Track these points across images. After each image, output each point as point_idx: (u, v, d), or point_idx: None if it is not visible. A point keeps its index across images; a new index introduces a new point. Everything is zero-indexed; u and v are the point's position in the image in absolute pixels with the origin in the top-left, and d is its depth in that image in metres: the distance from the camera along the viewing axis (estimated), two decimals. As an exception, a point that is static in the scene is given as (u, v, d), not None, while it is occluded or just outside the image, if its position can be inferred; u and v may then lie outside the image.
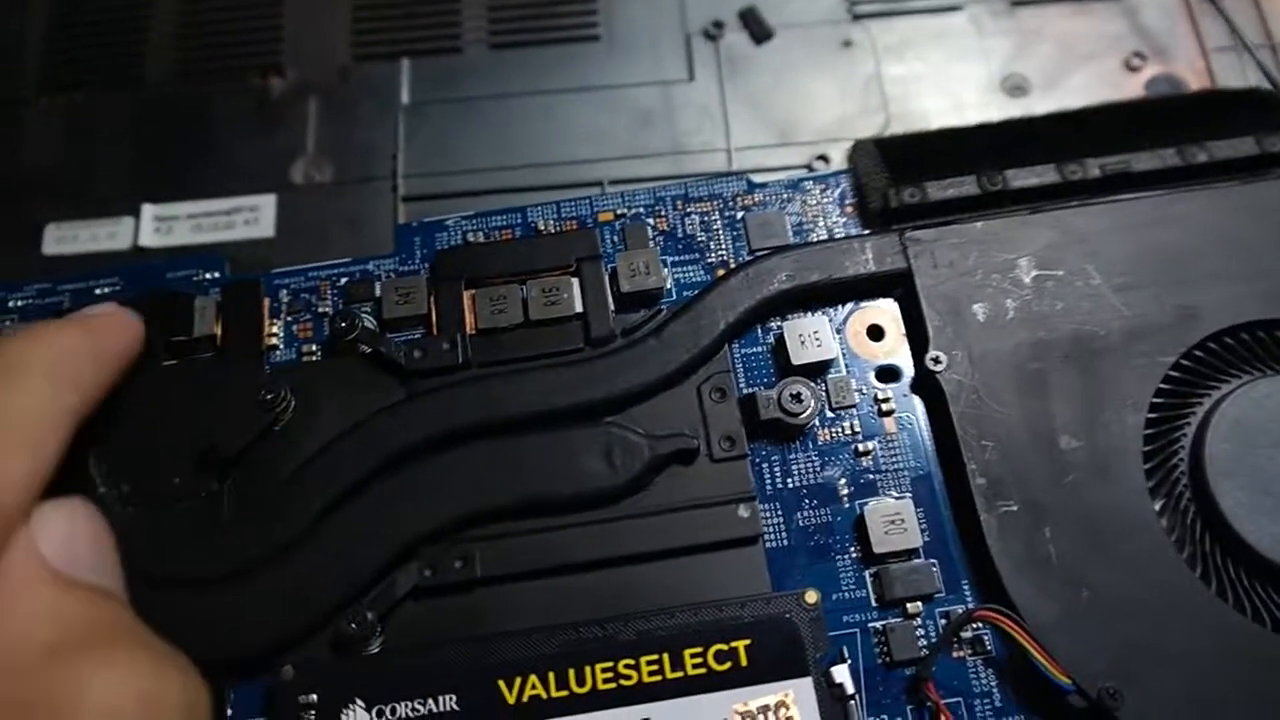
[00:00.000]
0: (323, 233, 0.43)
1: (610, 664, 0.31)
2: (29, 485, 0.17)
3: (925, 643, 0.33)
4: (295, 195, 0.44)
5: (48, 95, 0.46)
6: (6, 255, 0.43)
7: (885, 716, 0.32)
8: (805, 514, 0.34)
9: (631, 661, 0.31)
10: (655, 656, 0.31)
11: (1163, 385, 0.35)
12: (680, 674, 0.30)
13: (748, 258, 0.38)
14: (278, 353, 0.37)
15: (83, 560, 0.19)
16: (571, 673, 0.31)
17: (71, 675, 0.17)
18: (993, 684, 0.32)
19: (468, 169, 0.44)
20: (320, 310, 0.38)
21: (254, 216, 0.43)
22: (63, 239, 0.43)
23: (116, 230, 0.43)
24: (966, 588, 0.33)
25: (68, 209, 0.44)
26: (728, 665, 0.31)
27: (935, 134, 0.41)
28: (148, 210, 0.43)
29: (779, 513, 0.34)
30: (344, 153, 0.45)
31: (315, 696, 0.29)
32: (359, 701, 0.29)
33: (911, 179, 0.39)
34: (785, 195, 0.40)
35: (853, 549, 0.34)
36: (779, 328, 0.37)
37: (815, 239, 0.39)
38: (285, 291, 0.38)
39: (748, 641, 0.31)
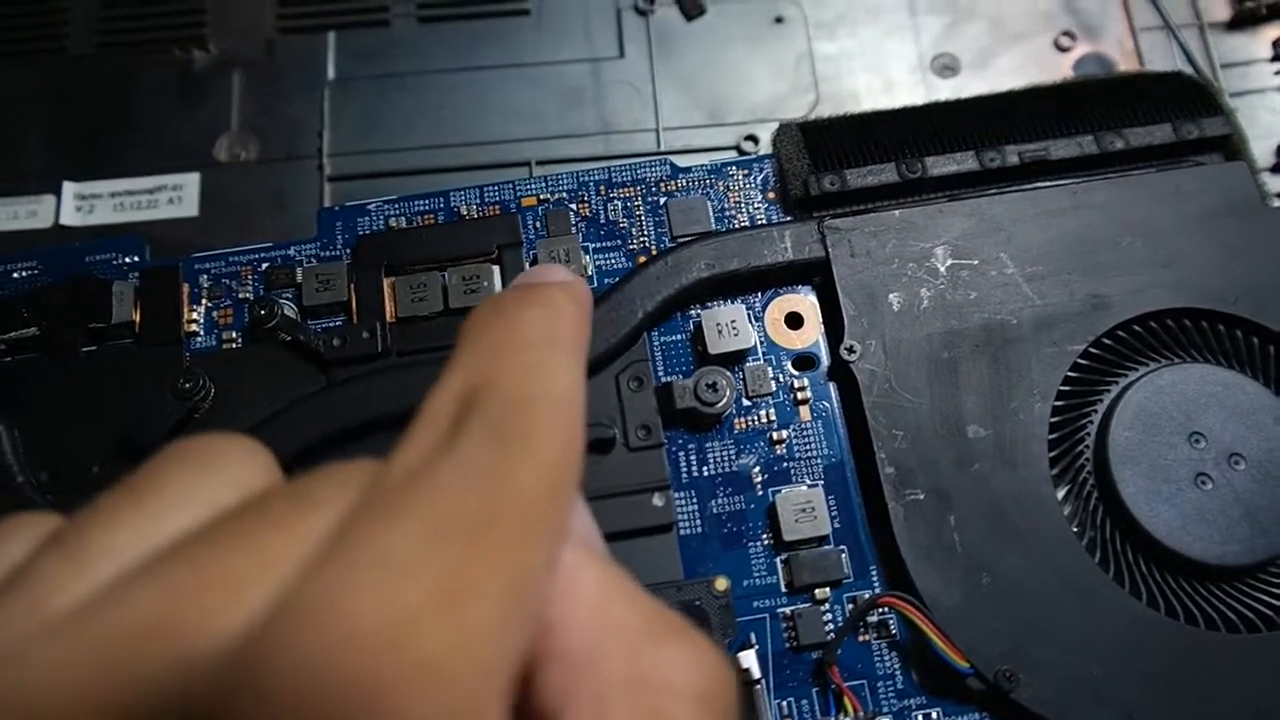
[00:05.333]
0: (248, 212, 0.43)
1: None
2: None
3: (832, 627, 0.33)
4: (219, 173, 0.43)
5: (-36, 66, 0.45)
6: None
7: (791, 699, 0.33)
8: (719, 502, 0.35)
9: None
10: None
11: (1070, 374, 0.36)
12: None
13: (669, 244, 0.38)
14: (198, 339, 0.37)
15: (596, 540, 0.18)
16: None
17: (663, 658, 0.16)
18: (896, 667, 0.33)
19: (394, 147, 0.44)
20: (241, 296, 0.38)
21: (178, 195, 0.43)
22: (-21, 219, 0.42)
23: (37, 209, 0.42)
24: (875, 573, 0.34)
25: (-15, 186, 0.43)
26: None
27: (859, 118, 0.41)
28: (69, 189, 0.43)
29: (694, 500, 0.35)
30: (269, 129, 0.44)
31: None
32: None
33: (834, 164, 0.39)
34: (708, 180, 0.40)
35: (764, 536, 0.35)
36: (698, 315, 0.37)
37: (738, 225, 0.39)
38: (205, 276, 0.38)
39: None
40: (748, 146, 0.43)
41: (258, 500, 0.15)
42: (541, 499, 0.15)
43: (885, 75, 0.45)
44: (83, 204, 0.42)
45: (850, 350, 0.36)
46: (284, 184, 0.43)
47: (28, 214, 0.42)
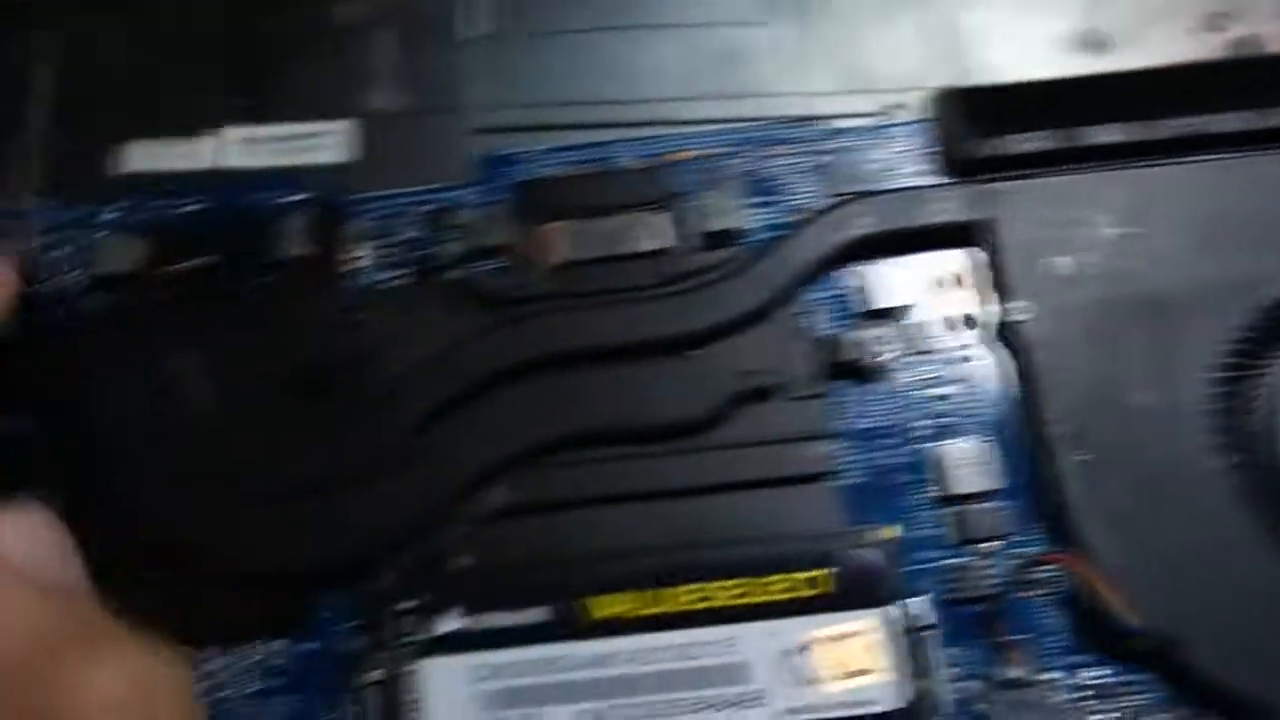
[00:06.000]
0: (398, 161, 0.43)
1: (696, 586, 0.32)
2: None
3: (997, 582, 0.33)
4: (370, 123, 0.44)
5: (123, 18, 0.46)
6: (82, 173, 0.43)
7: (956, 649, 0.33)
8: (882, 454, 0.35)
9: (715, 585, 0.32)
10: (739, 581, 0.32)
11: (1235, 345, 0.36)
12: (763, 598, 0.31)
13: (830, 202, 0.38)
14: (362, 277, 0.38)
15: (48, 564, 0.19)
16: (657, 594, 0.32)
17: (66, 676, 0.17)
18: (1063, 624, 0.33)
19: (543, 102, 0.44)
20: (403, 237, 0.39)
21: (330, 142, 0.44)
22: (141, 158, 0.43)
23: (196, 150, 0.43)
24: (1039, 531, 0.34)
25: (143, 128, 0.44)
26: (808, 593, 0.32)
27: (1017, 86, 0.41)
28: (229, 133, 0.44)
29: (855, 451, 0.35)
30: (418, 81, 0.45)
31: (415, 602, 0.31)
32: (456, 609, 0.30)
33: (992, 131, 0.39)
34: (866, 141, 0.40)
35: (928, 489, 0.35)
36: (859, 273, 0.37)
37: (894, 187, 0.39)
38: (369, 217, 0.39)
39: (828, 572, 0.32)
40: (896, 115, 0.43)
41: None
42: None
43: (1032, 49, 0.45)
44: (242, 148, 0.43)
45: (1013, 312, 0.36)
46: (434, 135, 0.44)
47: (186, 155, 0.43)
